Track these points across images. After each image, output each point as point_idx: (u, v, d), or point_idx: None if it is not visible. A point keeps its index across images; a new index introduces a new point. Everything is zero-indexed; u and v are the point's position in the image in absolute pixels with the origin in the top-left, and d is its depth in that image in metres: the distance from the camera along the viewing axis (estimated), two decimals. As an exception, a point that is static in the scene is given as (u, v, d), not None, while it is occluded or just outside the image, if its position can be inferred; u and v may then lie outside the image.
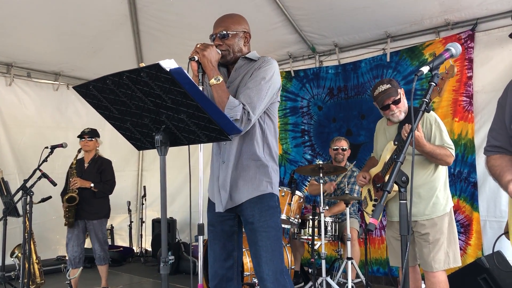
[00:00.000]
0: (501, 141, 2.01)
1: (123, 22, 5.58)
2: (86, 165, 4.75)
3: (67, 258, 4.67)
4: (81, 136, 4.75)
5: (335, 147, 4.87)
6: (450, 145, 2.97)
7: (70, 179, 4.58)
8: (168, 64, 1.53)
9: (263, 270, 2.35)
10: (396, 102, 3.09)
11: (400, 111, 3.11)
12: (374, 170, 3.34)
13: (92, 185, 4.56)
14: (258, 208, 2.38)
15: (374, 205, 3.28)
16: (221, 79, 2.24)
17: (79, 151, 4.75)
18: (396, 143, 3.04)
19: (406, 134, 2.83)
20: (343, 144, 4.87)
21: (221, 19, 2.50)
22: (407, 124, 2.84)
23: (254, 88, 2.30)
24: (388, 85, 3.09)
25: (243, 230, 2.55)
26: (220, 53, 2.36)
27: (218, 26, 2.46)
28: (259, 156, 2.43)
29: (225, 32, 2.42)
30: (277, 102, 2.52)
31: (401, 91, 3.14)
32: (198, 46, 2.25)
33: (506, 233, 2.01)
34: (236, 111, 2.21)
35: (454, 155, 2.97)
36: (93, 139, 4.76)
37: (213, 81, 2.23)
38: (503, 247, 4.06)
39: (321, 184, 4.09)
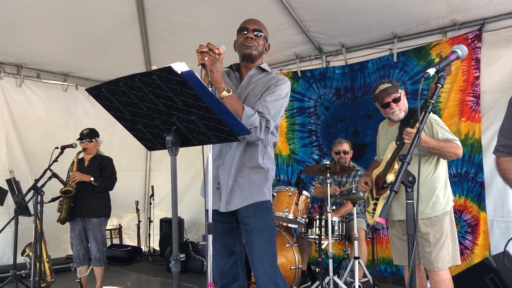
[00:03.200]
0: None
1: (131, 23, 5.64)
2: (86, 163, 4.75)
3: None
4: (80, 139, 4.72)
5: (337, 151, 4.88)
6: (454, 138, 2.99)
7: (70, 174, 4.58)
8: (180, 67, 1.57)
9: (256, 269, 2.47)
10: (396, 100, 3.12)
11: (400, 109, 3.14)
12: (377, 171, 3.36)
13: (92, 178, 4.53)
14: (253, 209, 2.51)
15: (375, 204, 3.31)
16: (231, 91, 2.31)
17: (79, 153, 4.73)
18: (397, 142, 3.07)
19: (406, 137, 2.86)
20: (345, 147, 4.86)
21: (255, 20, 2.64)
22: (408, 129, 2.87)
23: (272, 102, 2.44)
24: (389, 84, 3.14)
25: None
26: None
27: (254, 23, 2.61)
28: (260, 164, 2.55)
29: (261, 32, 2.58)
30: (281, 117, 2.65)
31: (401, 91, 3.17)
32: (206, 60, 2.27)
33: None
34: (253, 119, 2.34)
35: (461, 146, 2.99)
36: (93, 140, 4.73)
37: (224, 93, 2.29)
38: (509, 247, 4.06)
39: (328, 185, 4.11)
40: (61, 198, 4.51)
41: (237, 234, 2.64)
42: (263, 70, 2.65)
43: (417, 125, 2.76)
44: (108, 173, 4.74)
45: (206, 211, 2.16)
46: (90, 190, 4.57)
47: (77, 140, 4.71)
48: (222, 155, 2.57)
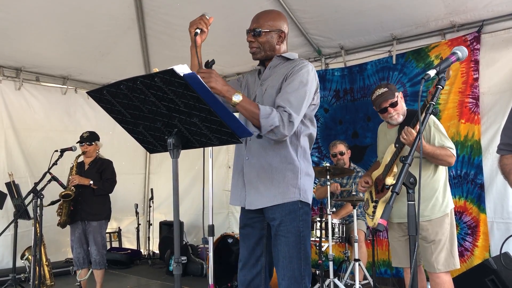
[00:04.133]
0: None
1: (131, 26, 5.65)
2: (86, 166, 4.75)
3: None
4: (80, 142, 4.71)
5: (333, 153, 4.90)
6: (450, 146, 2.99)
7: (70, 177, 4.58)
8: (182, 70, 1.57)
9: (279, 275, 2.33)
10: (393, 105, 3.12)
11: (398, 113, 3.14)
12: (376, 173, 3.37)
13: (91, 182, 4.52)
14: (279, 211, 2.31)
15: (374, 206, 3.32)
16: (240, 94, 2.13)
17: (78, 156, 4.71)
18: (396, 145, 3.07)
19: (404, 137, 2.86)
20: (340, 148, 4.87)
21: (257, 15, 2.46)
22: (406, 127, 2.87)
23: (293, 93, 2.24)
24: (385, 89, 3.13)
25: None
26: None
27: (253, 23, 2.44)
28: (289, 159, 2.33)
29: (258, 30, 2.38)
30: (313, 105, 2.43)
31: (398, 95, 3.16)
32: (203, 78, 1.96)
33: None
34: (272, 118, 2.14)
35: (455, 155, 2.99)
36: (93, 144, 4.72)
37: (234, 100, 2.11)
38: (510, 248, 4.06)
39: (328, 186, 4.11)
40: (60, 202, 4.50)
41: (266, 244, 2.45)
42: (286, 59, 2.45)
43: (418, 126, 2.78)
44: (108, 176, 4.72)
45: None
46: (90, 193, 4.57)
47: (77, 143, 4.70)
48: (247, 149, 2.41)
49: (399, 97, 3.16)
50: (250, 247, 2.44)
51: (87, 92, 1.94)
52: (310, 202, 2.40)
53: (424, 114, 1.83)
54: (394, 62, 5.10)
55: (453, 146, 3.01)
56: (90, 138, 4.72)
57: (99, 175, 4.69)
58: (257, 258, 2.44)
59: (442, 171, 3.12)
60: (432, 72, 1.76)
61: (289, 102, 2.21)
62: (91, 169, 4.71)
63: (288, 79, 2.30)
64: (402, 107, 3.17)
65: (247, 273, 2.44)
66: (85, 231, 4.61)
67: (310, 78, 2.32)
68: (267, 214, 2.36)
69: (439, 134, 3.03)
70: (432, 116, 3.11)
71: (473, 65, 4.47)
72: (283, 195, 2.31)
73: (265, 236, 2.44)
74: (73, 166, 4.67)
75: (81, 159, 4.74)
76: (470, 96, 4.48)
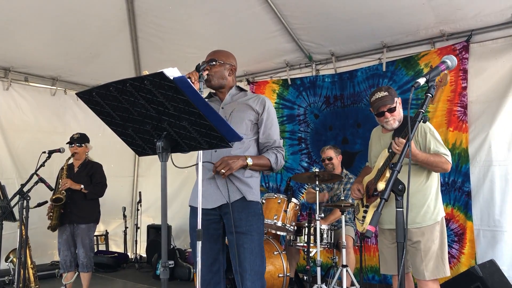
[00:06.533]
0: None
1: (122, 28, 5.62)
2: (76, 169, 4.68)
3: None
4: (70, 143, 4.67)
5: (323, 158, 4.94)
6: (445, 153, 3.01)
7: (60, 180, 4.52)
8: (172, 73, 1.56)
9: (245, 270, 2.56)
10: (391, 110, 3.13)
11: (394, 119, 3.15)
12: (368, 178, 3.37)
13: (82, 186, 4.48)
14: (245, 213, 2.64)
15: (365, 211, 3.32)
16: (249, 157, 2.64)
17: (69, 158, 4.66)
18: (390, 150, 3.09)
19: (396, 147, 2.88)
20: (329, 153, 4.89)
21: (213, 52, 2.89)
22: (396, 138, 2.89)
23: (272, 128, 2.82)
24: (385, 93, 3.13)
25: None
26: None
27: (208, 56, 2.84)
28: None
29: (214, 60, 2.78)
30: None
31: (397, 100, 3.17)
32: (224, 173, 2.56)
33: None
34: (278, 159, 2.76)
35: (450, 161, 3.01)
36: (83, 145, 4.68)
37: (249, 163, 2.62)
38: (495, 256, 4.10)
39: (317, 192, 4.12)
40: (50, 205, 4.45)
41: (222, 243, 2.75)
42: (242, 89, 2.96)
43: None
44: (98, 179, 4.68)
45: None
46: (80, 197, 4.53)
47: (67, 144, 4.66)
48: (213, 159, 2.69)
49: (397, 102, 3.16)
50: (207, 247, 2.63)
51: (76, 93, 1.93)
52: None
53: (414, 122, 1.84)
54: (384, 69, 5.14)
55: (448, 153, 3.02)
56: (80, 139, 4.68)
57: (89, 178, 4.64)
58: (214, 257, 2.70)
59: (435, 179, 3.13)
60: (422, 80, 1.78)
61: (271, 137, 2.80)
62: (81, 172, 4.66)
63: (262, 116, 2.81)
64: (399, 113, 3.18)
65: (206, 273, 2.63)
66: (73, 233, 4.56)
67: (273, 110, 2.89)
68: (234, 215, 2.63)
69: (435, 141, 3.04)
70: (428, 123, 3.15)
71: (461, 74, 4.52)
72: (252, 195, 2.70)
73: (221, 236, 2.75)
74: (63, 168, 4.62)
75: (71, 161, 4.70)
76: (459, 105, 4.53)
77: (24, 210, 3.94)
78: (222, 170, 2.52)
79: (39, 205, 4.41)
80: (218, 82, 2.83)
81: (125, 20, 5.47)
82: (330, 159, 4.87)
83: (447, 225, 4.44)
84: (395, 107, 3.13)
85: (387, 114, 3.14)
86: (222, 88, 2.88)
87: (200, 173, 2.39)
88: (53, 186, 4.44)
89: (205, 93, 2.79)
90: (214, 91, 2.94)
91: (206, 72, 2.71)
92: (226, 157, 2.59)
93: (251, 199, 2.68)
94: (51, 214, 4.45)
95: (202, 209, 2.62)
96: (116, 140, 2.05)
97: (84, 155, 4.73)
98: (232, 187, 2.66)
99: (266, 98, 2.91)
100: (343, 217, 4.22)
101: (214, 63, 2.79)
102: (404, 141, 2.83)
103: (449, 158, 3.01)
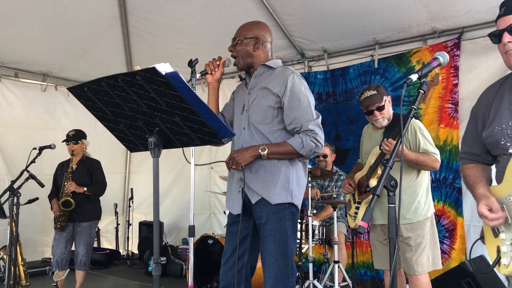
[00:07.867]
0: (474, 148, 2.08)
1: (113, 24, 5.58)
2: (74, 166, 4.63)
3: (52, 260, 4.60)
4: (66, 141, 4.61)
5: (317, 155, 4.91)
6: (433, 152, 3.04)
7: (65, 183, 4.46)
8: (164, 68, 1.55)
9: (265, 273, 2.40)
10: (380, 109, 3.16)
11: (383, 117, 3.18)
12: (359, 174, 3.39)
13: (85, 189, 4.47)
14: (266, 210, 2.39)
15: (357, 207, 3.34)
16: (264, 145, 2.31)
17: (70, 160, 4.63)
18: (381, 148, 3.11)
19: (386, 148, 2.91)
20: (325, 150, 4.87)
21: (238, 29, 2.60)
22: (386, 139, 2.92)
23: (298, 109, 2.36)
24: (374, 92, 3.16)
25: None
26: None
27: (234, 35, 2.56)
28: (281, 162, 2.40)
29: (237, 38, 2.51)
30: None
31: (387, 98, 3.20)
32: (233, 168, 2.38)
33: (482, 238, 2.07)
34: (307, 146, 2.30)
35: (439, 160, 3.05)
36: (79, 142, 4.62)
37: (263, 153, 2.30)
38: (486, 252, 4.13)
39: (309, 188, 4.13)
40: (56, 208, 4.43)
41: (250, 243, 2.54)
42: (269, 67, 2.54)
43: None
44: (98, 178, 4.66)
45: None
46: (83, 197, 4.50)
47: (63, 142, 4.63)
48: (236, 141, 2.52)
49: (387, 101, 3.19)
50: (234, 244, 2.47)
51: (67, 88, 1.92)
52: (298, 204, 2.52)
53: (406, 119, 1.84)
54: (376, 66, 5.15)
55: (437, 151, 3.06)
56: (76, 136, 4.61)
57: (89, 176, 4.62)
58: (240, 256, 2.48)
59: (425, 175, 3.17)
60: (414, 77, 1.78)
61: (298, 121, 2.34)
62: (80, 169, 4.62)
63: (284, 98, 2.38)
64: (388, 111, 3.21)
65: (228, 269, 2.48)
66: (74, 231, 4.55)
67: (302, 86, 2.42)
68: (255, 211, 2.43)
69: (424, 140, 3.07)
70: (418, 121, 3.17)
71: (453, 71, 4.54)
72: (274, 196, 2.40)
73: (250, 235, 2.51)
74: (68, 171, 4.55)
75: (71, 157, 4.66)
76: (450, 102, 4.55)
77: (15, 206, 3.91)
78: (233, 167, 2.35)
79: (30, 201, 4.37)
80: (245, 62, 2.52)
81: (117, 15, 5.44)
82: (325, 156, 4.87)
83: (438, 221, 4.49)
84: (384, 105, 3.16)
85: (376, 112, 3.17)
86: (252, 68, 2.55)
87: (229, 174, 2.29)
88: (44, 183, 4.39)
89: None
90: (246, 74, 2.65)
91: (224, 59, 2.55)
92: (233, 151, 2.38)
93: (274, 202, 2.38)
94: (62, 218, 4.42)
95: (230, 213, 2.59)
96: (108, 136, 2.03)
97: (81, 152, 4.68)
98: (248, 189, 2.41)
99: (291, 73, 2.45)
100: (335, 214, 4.24)
101: (235, 42, 2.52)
102: (394, 142, 2.86)
103: (438, 157, 3.04)
